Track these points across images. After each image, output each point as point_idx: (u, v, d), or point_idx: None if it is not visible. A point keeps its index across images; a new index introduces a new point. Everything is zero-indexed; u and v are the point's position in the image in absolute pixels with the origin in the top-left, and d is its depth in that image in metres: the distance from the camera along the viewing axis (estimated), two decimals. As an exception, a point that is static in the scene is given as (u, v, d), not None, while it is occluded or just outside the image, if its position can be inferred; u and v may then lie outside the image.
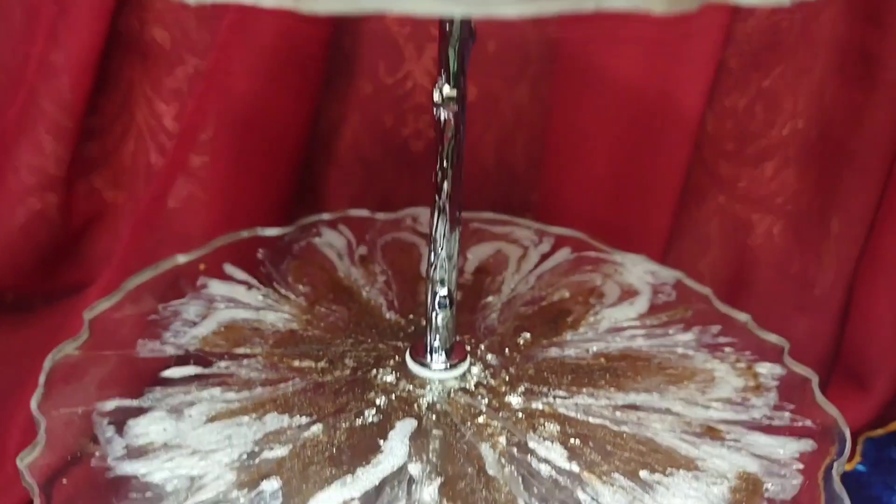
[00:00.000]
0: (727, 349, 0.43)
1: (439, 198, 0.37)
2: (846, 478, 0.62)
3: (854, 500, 0.60)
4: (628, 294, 0.48)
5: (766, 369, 0.42)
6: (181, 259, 0.48)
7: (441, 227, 0.37)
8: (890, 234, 0.57)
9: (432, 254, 0.38)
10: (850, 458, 0.63)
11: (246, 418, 0.36)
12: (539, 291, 0.48)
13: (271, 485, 0.33)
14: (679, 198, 0.60)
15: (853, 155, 0.59)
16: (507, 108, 0.61)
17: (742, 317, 0.46)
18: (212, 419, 0.36)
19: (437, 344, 0.39)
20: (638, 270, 0.50)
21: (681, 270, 0.66)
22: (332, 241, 0.52)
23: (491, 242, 0.53)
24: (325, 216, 0.55)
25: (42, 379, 0.38)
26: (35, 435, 0.35)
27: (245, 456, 0.34)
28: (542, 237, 0.54)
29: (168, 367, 0.39)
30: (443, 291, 0.38)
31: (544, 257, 0.51)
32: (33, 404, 0.37)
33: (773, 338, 0.44)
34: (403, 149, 0.62)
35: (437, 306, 0.38)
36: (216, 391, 0.38)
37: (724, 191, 0.64)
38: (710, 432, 0.37)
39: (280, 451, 0.35)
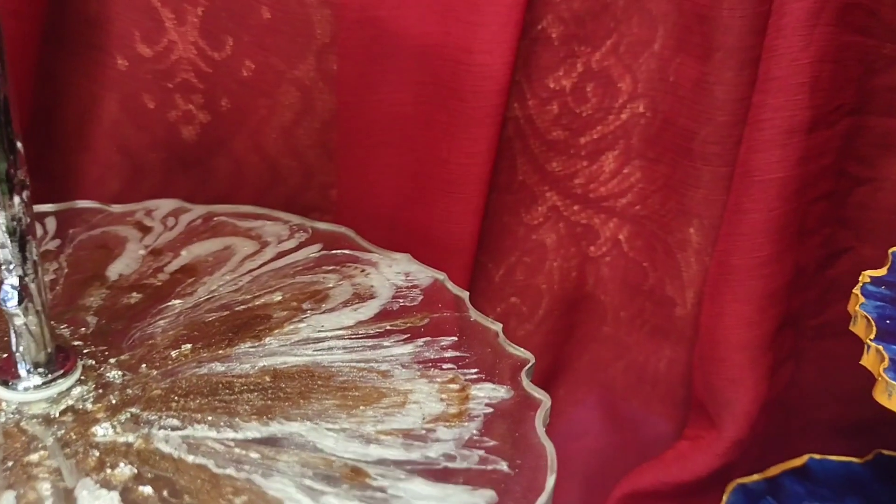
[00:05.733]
0: (448, 365, 0.33)
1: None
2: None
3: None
4: (359, 298, 0.37)
5: (485, 391, 0.31)
6: None
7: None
8: (737, 234, 0.47)
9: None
10: (712, 511, 0.52)
11: None
12: (243, 295, 0.38)
13: None
14: (486, 192, 0.50)
15: (705, 145, 0.49)
16: (292, 87, 0.51)
17: (495, 326, 0.36)
18: None
19: (20, 355, 0.29)
20: (391, 271, 0.40)
21: (516, 287, 0.56)
22: None
23: (223, 238, 0.43)
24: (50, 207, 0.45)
25: None
26: None
27: None
28: (294, 233, 0.44)
29: None
30: (12, 280, 0.28)
31: (281, 255, 0.41)
32: None
33: (520, 352, 0.34)
34: (172, 135, 0.52)
35: (4, 300, 0.28)
36: None
37: (557, 189, 0.54)
38: (353, 476, 0.26)
39: None
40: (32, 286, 0.29)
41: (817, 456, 0.54)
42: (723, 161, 0.48)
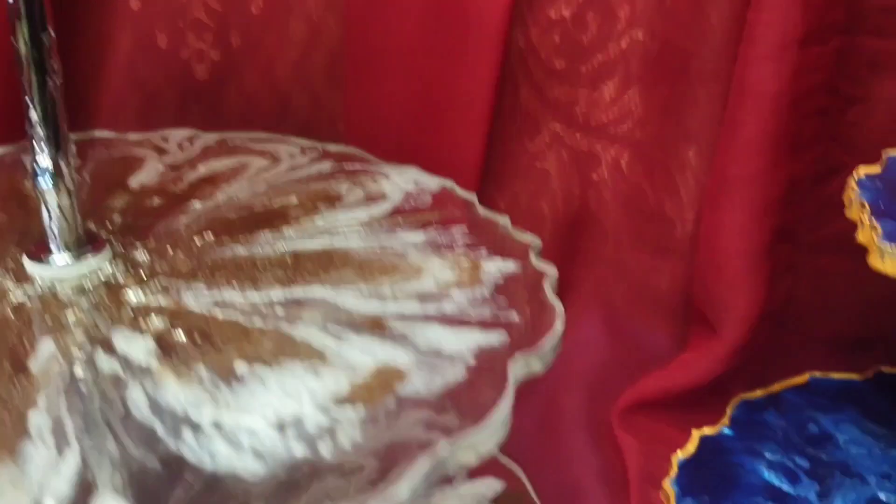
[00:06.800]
0: (460, 247, 0.34)
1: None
2: (706, 442, 0.52)
3: (713, 467, 0.50)
4: (372, 200, 0.39)
5: (496, 265, 0.33)
6: None
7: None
8: (733, 146, 0.48)
9: (31, 109, 0.30)
10: (716, 421, 0.53)
11: None
12: (261, 199, 0.39)
13: None
14: (492, 117, 0.51)
15: (702, 66, 0.51)
16: (300, 22, 0.53)
17: (503, 219, 0.37)
18: None
19: (53, 233, 0.31)
20: (401, 179, 0.42)
21: (519, 213, 0.57)
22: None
23: (238, 156, 0.44)
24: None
25: None
26: None
27: None
28: (306, 152, 0.45)
29: None
30: (43, 161, 0.30)
31: (294, 168, 0.43)
32: None
33: (528, 237, 0.35)
34: (185, 73, 0.54)
35: (37, 177, 0.30)
36: None
37: (559, 117, 0.55)
38: (373, 326, 0.28)
39: None
40: (64, 167, 0.30)
41: (818, 374, 0.55)
42: (719, 80, 0.50)
